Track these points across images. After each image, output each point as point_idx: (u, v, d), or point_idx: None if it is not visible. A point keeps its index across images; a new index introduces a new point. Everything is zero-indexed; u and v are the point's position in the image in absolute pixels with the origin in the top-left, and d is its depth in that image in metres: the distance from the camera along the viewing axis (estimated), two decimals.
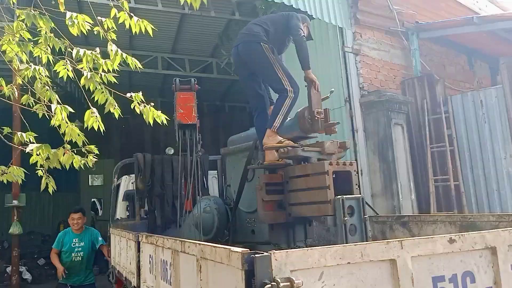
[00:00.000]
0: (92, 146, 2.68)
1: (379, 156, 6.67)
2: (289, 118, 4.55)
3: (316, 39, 7.49)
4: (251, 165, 4.68)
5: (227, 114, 17.82)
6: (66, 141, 2.60)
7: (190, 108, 4.79)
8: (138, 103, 2.68)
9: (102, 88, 2.58)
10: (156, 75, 13.95)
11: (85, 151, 2.69)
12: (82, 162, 2.70)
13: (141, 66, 2.70)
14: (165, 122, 2.84)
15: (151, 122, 2.73)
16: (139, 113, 2.73)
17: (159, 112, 2.77)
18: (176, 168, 7.31)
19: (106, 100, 2.70)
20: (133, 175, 8.21)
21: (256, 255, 1.79)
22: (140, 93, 2.69)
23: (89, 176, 17.62)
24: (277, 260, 1.77)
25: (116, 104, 2.63)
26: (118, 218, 7.56)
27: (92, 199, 11.15)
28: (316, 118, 4.37)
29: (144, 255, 4.14)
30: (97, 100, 2.63)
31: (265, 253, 1.79)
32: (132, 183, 8.43)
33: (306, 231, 4.85)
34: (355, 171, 4.39)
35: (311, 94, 4.47)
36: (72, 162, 2.66)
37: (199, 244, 2.48)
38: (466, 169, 6.93)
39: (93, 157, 2.71)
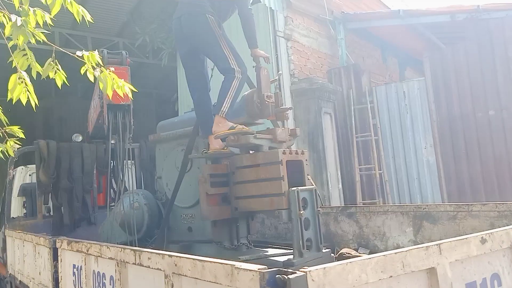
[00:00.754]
0: (15, 128, 1.94)
1: (309, 145, 6.51)
2: None
3: None
4: (191, 154, 4.13)
5: (135, 102, 16.55)
6: None
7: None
8: (92, 66, 1.98)
9: (25, 49, 1.86)
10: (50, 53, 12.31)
11: (4, 134, 1.95)
12: (0, 149, 1.95)
13: (91, 20, 2.01)
14: (130, 95, 2.18)
15: (110, 94, 2.06)
16: (92, 81, 2.04)
17: (124, 81, 2.09)
18: (86, 158, 6.42)
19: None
20: (31, 166, 7.08)
21: (285, 275, 1.33)
22: (96, 53, 2.00)
23: None
24: (314, 281, 1.33)
25: (57, 68, 1.92)
26: (13, 217, 6.41)
27: None
28: (266, 102, 3.97)
29: (64, 264, 3.38)
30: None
31: (299, 273, 1.33)
32: (29, 175, 7.27)
33: (249, 226, 4.46)
34: (306, 160, 4.10)
35: (261, 75, 4.05)
36: None
37: (169, 255, 1.93)
38: (388, 158, 7.10)
39: (16, 142, 1.98)
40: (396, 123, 7.09)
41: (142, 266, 2.15)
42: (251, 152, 4.02)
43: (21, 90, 1.87)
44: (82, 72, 2.05)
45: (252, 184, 3.83)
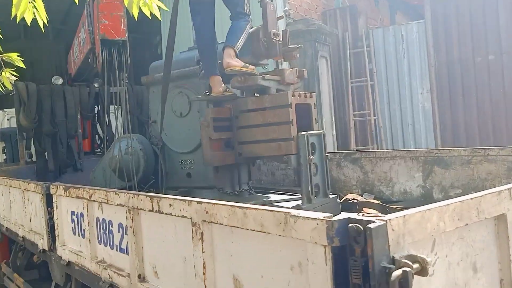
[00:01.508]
0: (14, 55, 1.61)
1: (305, 89, 6.26)
2: None
3: None
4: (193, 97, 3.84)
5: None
6: None
7: (118, 19, 3.62)
8: None
9: None
10: None
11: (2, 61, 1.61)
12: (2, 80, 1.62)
13: None
14: (158, 14, 1.83)
15: (136, 12, 1.69)
16: None
17: None
18: (69, 102, 6.03)
19: None
20: (8, 110, 6.65)
21: (360, 224, 1.15)
22: None
23: None
24: (394, 231, 1.15)
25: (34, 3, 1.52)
26: None
27: None
28: (273, 40, 3.67)
29: (60, 211, 3.15)
30: None
31: (377, 221, 1.15)
32: (8, 119, 6.85)
33: (250, 172, 4.31)
34: (314, 104, 3.89)
35: (267, 11, 3.72)
36: None
37: (198, 202, 1.72)
38: (383, 104, 6.95)
39: (12, 73, 1.65)
40: (393, 68, 6.88)
41: (162, 213, 1.94)
42: (256, 95, 3.78)
43: (26, 6, 1.52)
44: None
45: (258, 128, 3.63)
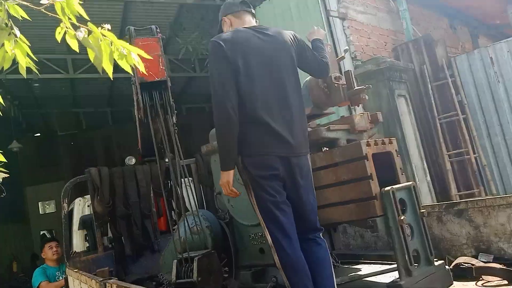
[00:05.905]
0: None
1: (386, 134, 5.59)
2: None
3: (291, 4, 6.31)
4: None
5: (185, 117, 16.27)
6: None
7: (156, 59, 3.36)
8: (72, 24, 1.25)
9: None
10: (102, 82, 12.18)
11: None
12: None
13: (27, 17, 1.30)
14: (141, 68, 1.46)
15: (109, 68, 1.34)
16: (77, 50, 1.31)
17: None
18: (141, 181, 5.91)
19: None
20: (88, 196, 6.73)
21: None
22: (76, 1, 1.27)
23: (39, 203, 15.55)
24: None
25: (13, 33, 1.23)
26: (75, 252, 6.06)
27: (42, 232, 9.37)
28: (335, 85, 3.18)
29: None
30: None
31: None
32: (88, 206, 6.94)
33: (332, 240, 3.69)
34: (396, 151, 3.26)
35: None
36: None
37: None
38: (483, 139, 5.98)
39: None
40: (487, 95, 5.96)
41: None
42: (324, 149, 3.25)
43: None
44: (59, 37, 1.32)
45: (331, 189, 3.07)
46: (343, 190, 3.01)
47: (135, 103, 4.44)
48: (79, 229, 6.42)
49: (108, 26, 1.27)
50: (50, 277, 5.81)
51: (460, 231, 3.50)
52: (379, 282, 3.02)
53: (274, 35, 2.68)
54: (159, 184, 6.04)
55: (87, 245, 6.51)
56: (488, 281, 2.84)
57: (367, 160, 2.90)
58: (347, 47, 3.67)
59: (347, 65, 5.83)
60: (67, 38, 1.27)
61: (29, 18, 1.27)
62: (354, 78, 3.23)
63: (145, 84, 3.49)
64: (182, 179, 5.91)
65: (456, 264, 3.16)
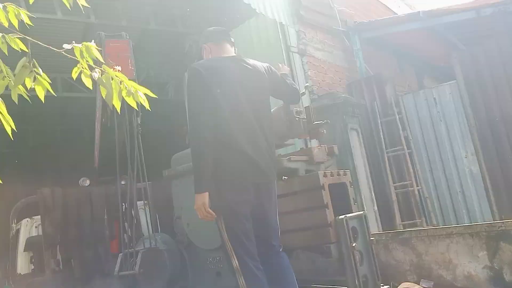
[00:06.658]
0: None
1: (338, 165, 5.88)
2: None
3: (254, 39, 6.59)
4: None
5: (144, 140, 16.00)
6: None
7: (126, 60, 3.43)
8: (89, 66, 1.38)
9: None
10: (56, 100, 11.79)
11: None
12: None
13: (30, 22, 1.43)
14: (146, 104, 1.58)
15: (118, 105, 1.45)
16: (91, 87, 1.43)
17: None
18: (96, 204, 5.84)
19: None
20: (37, 217, 6.51)
21: None
22: (93, 44, 1.41)
23: None
24: None
25: (36, 71, 1.33)
26: (19, 274, 5.81)
27: None
28: (296, 118, 3.41)
29: None
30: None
31: None
32: (35, 227, 6.70)
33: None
34: (350, 182, 3.51)
35: None
36: None
37: None
38: (425, 172, 6.43)
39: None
40: (430, 133, 6.45)
41: None
42: (284, 178, 3.44)
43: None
44: (75, 75, 1.48)
45: (290, 216, 3.25)
46: (301, 217, 3.20)
47: (98, 109, 4.44)
48: (25, 250, 6.17)
49: (119, 67, 1.40)
50: None
51: (404, 258, 3.77)
52: None
53: (252, 65, 2.83)
54: (113, 207, 6.00)
55: (32, 267, 6.26)
56: None
57: (324, 190, 3.12)
58: (307, 84, 3.92)
59: (305, 99, 6.13)
60: (83, 77, 1.39)
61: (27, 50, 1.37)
62: (313, 113, 3.47)
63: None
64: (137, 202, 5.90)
65: None
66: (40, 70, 1.36)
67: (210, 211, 2.55)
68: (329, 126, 6.12)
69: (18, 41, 1.33)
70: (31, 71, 1.32)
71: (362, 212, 3.34)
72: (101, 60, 1.42)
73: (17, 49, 1.52)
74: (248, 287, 2.58)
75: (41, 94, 1.39)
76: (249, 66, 2.82)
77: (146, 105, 1.58)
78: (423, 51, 9.05)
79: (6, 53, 1.52)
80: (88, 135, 10.30)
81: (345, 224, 3.10)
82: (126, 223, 6.23)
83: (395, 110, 6.54)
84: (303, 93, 3.72)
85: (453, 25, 6.73)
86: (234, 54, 2.95)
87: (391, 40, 7.98)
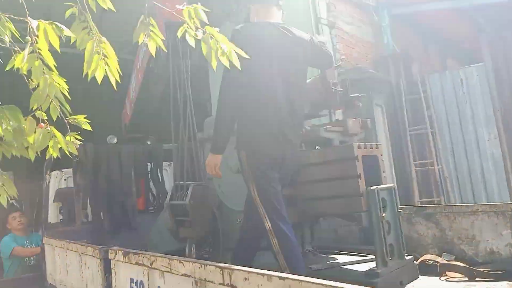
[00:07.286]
0: (81, 117, 1.51)
1: (362, 141, 5.99)
2: None
3: (283, 8, 6.56)
4: None
5: (164, 106, 16.09)
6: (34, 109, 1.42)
7: (177, 2, 3.45)
8: (195, 26, 1.50)
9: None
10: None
11: (68, 125, 1.52)
12: (68, 145, 1.52)
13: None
14: (238, 64, 1.69)
15: (214, 65, 1.58)
16: (193, 45, 1.56)
17: (227, 40, 1.56)
18: (124, 161, 6.06)
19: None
20: (66, 170, 6.76)
21: None
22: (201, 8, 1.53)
23: None
24: None
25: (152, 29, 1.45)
26: (49, 223, 6.11)
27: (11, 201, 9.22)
28: (333, 90, 3.50)
29: (118, 278, 2.98)
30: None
31: None
32: (65, 179, 6.95)
33: (313, 231, 4.01)
34: (381, 155, 3.61)
35: None
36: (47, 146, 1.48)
37: (279, 277, 1.48)
38: (447, 152, 6.52)
39: (76, 137, 1.55)
40: (454, 113, 6.50)
41: None
42: (317, 147, 3.57)
43: (97, 63, 1.43)
44: (180, 34, 1.59)
45: (322, 184, 3.38)
46: (334, 186, 3.32)
47: (140, 55, 4.33)
48: (54, 201, 6.44)
49: (217, 29, 1.51)
50: (19, 245, 5.94)
51: (427, 232, 3.90)
52: (356, 270, 3.37)
53: (294, 34, 2.90)
54: (140, 165, 6.22)
55: (61, 217, 6.55)
56: (451, 277, 3.23)
57: (358, 161, 3.23)
58: (343, 57, 3.98)
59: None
60: (187, 36, 1.51)
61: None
62: (349, 86, 3.56)
63: (171, 24, 3.49)
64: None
65: (422, 260, 3.54)
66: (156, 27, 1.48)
67: (219, 172, 2.77)
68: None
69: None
70: (146, 28, 1.44)
71: (391, 184, 3.45)
72: (206, 21, 1.54)
73: (105, 7, 1.64)
74: (281, 247, 2.74)
75: (152, 50, 1.51)
76: (291, 35, 2.88)
77: (238, 64, 1.68)
78: (449, 32, 8.95)
79: (95, 10, 1.63)
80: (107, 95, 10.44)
81: (376, 195, 3.21)
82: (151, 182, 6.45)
83: (421, 88, 6.58)
84: (339, 66, 3.79)
85: (483, 7, 6.66)
86: (280, 20, 2.98)
87: (418, 18, 7.92)
